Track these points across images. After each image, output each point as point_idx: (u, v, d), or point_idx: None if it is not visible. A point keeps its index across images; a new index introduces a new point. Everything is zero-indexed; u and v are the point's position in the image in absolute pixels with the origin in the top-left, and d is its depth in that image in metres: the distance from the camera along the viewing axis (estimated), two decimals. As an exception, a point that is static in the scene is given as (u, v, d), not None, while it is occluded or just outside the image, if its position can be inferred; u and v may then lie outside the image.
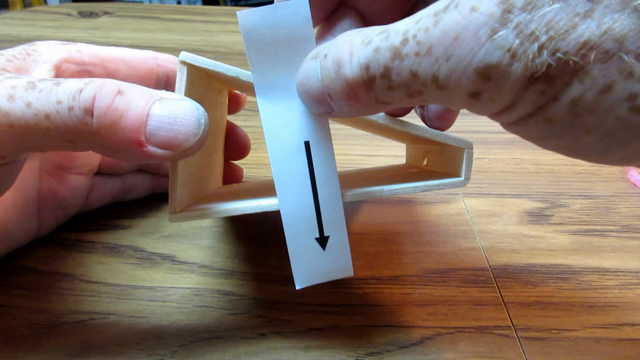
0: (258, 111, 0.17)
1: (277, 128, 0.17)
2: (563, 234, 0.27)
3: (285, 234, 0.18)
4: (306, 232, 0.18)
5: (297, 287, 0.18)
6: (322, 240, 0.18)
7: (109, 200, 0.28)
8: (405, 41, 0.13)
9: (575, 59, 0.11)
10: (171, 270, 0.24)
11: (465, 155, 0.20)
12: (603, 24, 0.10)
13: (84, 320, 0.21)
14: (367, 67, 0.13)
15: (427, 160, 0.25)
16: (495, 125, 0.45)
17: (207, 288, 0.23)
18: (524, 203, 0.30)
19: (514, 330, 0.21)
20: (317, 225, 0.18)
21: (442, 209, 0.29)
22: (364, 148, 0.36)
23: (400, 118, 0.19)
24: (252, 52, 0.17)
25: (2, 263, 0.23)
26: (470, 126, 0.39)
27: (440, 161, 0.23)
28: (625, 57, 0.10)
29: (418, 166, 0.26)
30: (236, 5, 2.34)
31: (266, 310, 0.22)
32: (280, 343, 0.20)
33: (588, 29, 0.10)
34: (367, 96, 0.14)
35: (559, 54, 0.11)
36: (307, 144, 0.17)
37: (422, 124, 0.20)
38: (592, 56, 0.10)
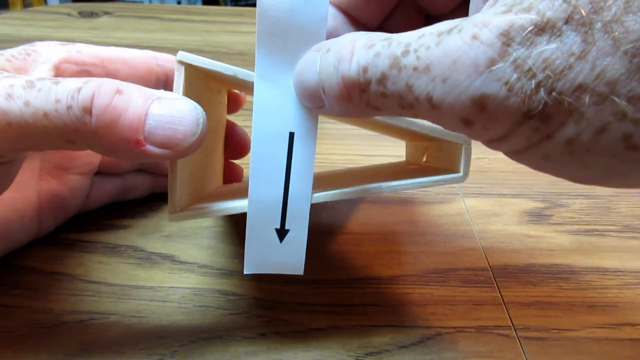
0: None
1: (267, 112, 0.17)
2: (563, 234, 0.27)
3: (247, 217, 0.18)
4: (268, 220, 0.18)
5: (245, 272, 0.18)
6: (281, 233, 0.18)
7: (109, 200, 0.28)
8: (405, 53, 0.13)
9: (570, 100, 0.11)
10: (171, 270, 0.24)
11: (463, 151, 0.20)
12: (596, 66, 0.11)
13: (84, 320, 0.21)
14: (365, 70, 0.14)
15: (426, 157, 0.25)
16: (495, 125, 0.44)
17: (207, 288, 0.23)
18: (524, 203, 0.30)
19: (514, 330, 0.21)
20: (280, 217, 0.18)
21: (442, 209, 0.29)
22: (363, 148, 0.36)
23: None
24: (262, 30, 0.17)
25: (2, 263, 0.23)
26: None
27: (439, 157, 0.23)
28: (617, 100, 0.11)
29: (417, 163, 0.26)
30: (236, 5, 2.34)
31: (266, 310, 0.22)
32: (280, 343, 0.20)
33: (582, 71, 0.11)
34: (359, 98, 0.14)
35: (554, 94, 0.11)
36: (291, 135, 0.17)
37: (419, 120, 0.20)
38: (587, 99, 0.11)
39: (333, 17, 0.19)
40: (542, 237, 0.27)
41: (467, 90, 0.12)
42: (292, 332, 0.21)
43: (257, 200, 0.18)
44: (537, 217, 0.29)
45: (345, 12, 0.19)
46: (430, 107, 0.13)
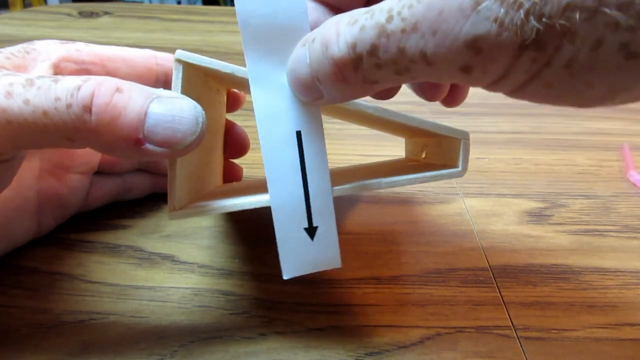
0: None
1: (270, 117, 0.17)
2: (563, 234, 0.27)
3: (274, 223, 0.18)
4: (295, 222, 0.18)
5: (285, 277, 0.18)
6: (311, 231, 0.18)
7: (109, 199, 0.28)
8: (390, 18, 0.13)
9: (561, 22, 0.11)
10: (171, 270, 0.24)
11: (461, 146, 0.20)
12: None
13: (84, 320, 0.21)
14: (353, 46, 0.13)
15: (425, 154, 0.25)
16: (496, 125, 0.45)
17: (207, 288, 0.23)
18: (524, 203, 0.30)
19: (514, 330, 0.21)
20: (306, 216, 0.18)
21: (442, 209, 0.29)
22: (363, 148, 0.36)
23: (396, 110, 0.19)
24: (247, 38, 0.17)
25: (2, 263, 0.23)
26: (471, 126, 0.39)
27: (438, 153, 0.23)
28: (607, 11, 0.10)
29: (417, 160, 0.26)
30: (236, 5, 2.33)
31: (266, 310, 0.22)
32: (280, 343, 0.20)
33: None
34: (355, 76, 0.14)
35: (544, 19, 0.11)
36: (298, 134, 0.17)
37: (416, 115, 0.20)
38: (577, 17, 0.11)
39: (314, 9, 0.19)
40: (542, 237, 0.27)
41: (458, 36, 0.12)
42: (292, 332, 0.21)
43: (280, 204, 0.18)
44: (537, 217, 0.29)
45: (325, 2, 0.19)
46: (427, 65, 0.13)
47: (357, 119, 0.25)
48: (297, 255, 0.18)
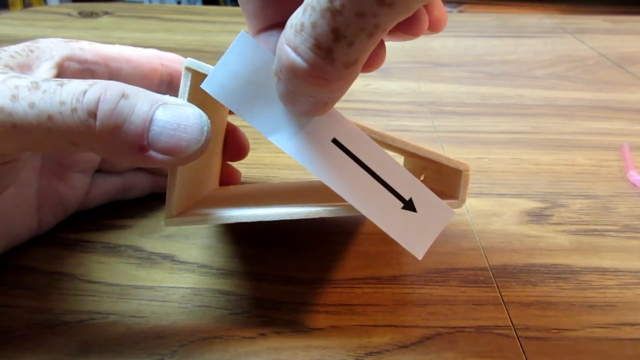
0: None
1: (304, 149, 0.17)
2: (563, 233, 0.27)
3: (377, 224, 0.18)
4: (391, 209, 0.18)
5: (420, 258, 0.19)
6: (409, 205, 0.18)
7: (109, 198, 0.28)
8: None
9: None
10: (171, 270, 0.24)
11: (462, 178, 0.20)
12: None
13: (84, 320, 0.21)
14: (317, 45, 0.13)
15: (424, 177, 0.25)
16: (496, 125, 0.45)
17: (207, 288, 0.23)
18: (524, 203, 0.30)
19: (513, 330, 0.21)
20: (395, 197, 0.18)
21: (442, 209, 0.29)
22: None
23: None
24: (235, 106, 0.17)
25: (2, 263, 0.23)
26: (471, 126, 0.39)
27: (437, 179, 0.23)
28: None
29: None
30: (236, 5, 2.34)
31: (266, 310, 0.22)
32: (280, 343, 0.20)
33: None
34: (335, 69, 0.14)
35: None
36: (335, 141, 0.18)
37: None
38: None
39: (266, 37, 0.18)
40: (542, 237, 0.27)
41: None
42: (292, 332, 0.21)
43: (368, 207, 0.18)
44: (537, 217, 0.29)
45: (269, 26, 0.18)
46: (390, 7, 0.12)
47: None
48: (415, 233, 0.19)
